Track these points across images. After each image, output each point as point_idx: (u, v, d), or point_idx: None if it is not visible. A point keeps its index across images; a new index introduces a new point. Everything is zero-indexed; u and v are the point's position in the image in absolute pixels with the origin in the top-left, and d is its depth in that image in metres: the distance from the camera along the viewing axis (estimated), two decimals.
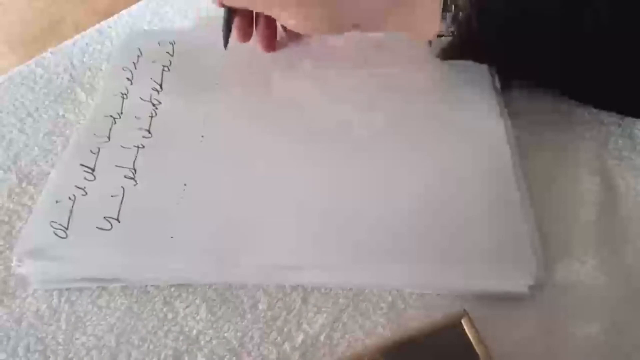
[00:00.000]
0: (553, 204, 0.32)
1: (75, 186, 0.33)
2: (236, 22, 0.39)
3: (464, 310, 0.26)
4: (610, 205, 0.32)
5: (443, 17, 0.33)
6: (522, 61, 0.34)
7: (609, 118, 0.36)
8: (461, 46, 0.34)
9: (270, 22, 0.40)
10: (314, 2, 0.34)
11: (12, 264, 0.30)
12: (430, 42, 0.36)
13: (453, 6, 0.32)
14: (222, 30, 0.39)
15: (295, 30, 0.37)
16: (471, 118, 0.36)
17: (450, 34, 0.33)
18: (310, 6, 0.35)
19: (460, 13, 0.32)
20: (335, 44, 0.42)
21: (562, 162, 0.34)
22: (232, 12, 0.39)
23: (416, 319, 0.28)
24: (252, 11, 0.40)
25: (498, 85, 0.38)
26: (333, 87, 0.39)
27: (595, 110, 0.37)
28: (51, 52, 0.44)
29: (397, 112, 0.37)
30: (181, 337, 0.29)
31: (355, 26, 0.36)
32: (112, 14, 0.48)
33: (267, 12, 0.37)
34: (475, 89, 0.37)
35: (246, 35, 0.40)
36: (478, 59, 0.36)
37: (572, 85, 0.35)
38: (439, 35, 0.34)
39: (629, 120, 0.36)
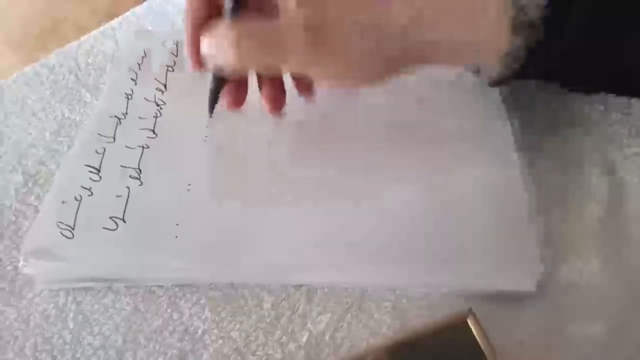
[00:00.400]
0: (559, 202, 0.32)
1: (81, 186, 0.33)
2: (227, 89, 0.33)
3: (470, 308, 0.26)
4: (616, 205, 0.32)
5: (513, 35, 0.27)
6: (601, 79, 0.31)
7: (616, 116, 0.36)
8: (528, 70, 0.29)
9: (276, 81, 0.34)
10: (344, 51, 0.28)
11: (19, 264, 0.30)
12: (478, 70, 0.32)
13: (523, 15, 0.26)
14: (208, 98, 0.33)
15: (337, 87, 0.32)
16: (476, 118, 0.36)
17: (520, 56, 0.28)
18: (341, 58, 0.28)
19: (532, 29, 0.26)
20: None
21: (568, 160, 0.34)
22: (222, 79, 0.32)
23: (421, 318, 0.29)
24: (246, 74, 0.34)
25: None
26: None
27: (602, 109, 0.37)
28: (56, 53, 0.44)
29: (402, 116, 0.37)
30: (186, 337, 0.29)
31: (405, 67, 0.29)
32: (113, 14, 0.48)
33: (299, 71, 0.30)
34: (479, 89, 0.37)
35: (239, 102, 0.34)
36: (541, 78, 0.33)
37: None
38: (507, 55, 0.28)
39: (636, 119, 0.36)
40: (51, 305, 0.30)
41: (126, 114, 0.38)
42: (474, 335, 0.25)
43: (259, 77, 0.35)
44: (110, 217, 0.32)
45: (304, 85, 0.34)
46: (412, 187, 0.32)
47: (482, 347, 0.25)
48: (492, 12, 0.27)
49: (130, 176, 0.34)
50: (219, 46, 0.28)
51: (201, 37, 0.29)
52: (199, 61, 0.31)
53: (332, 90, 0.36)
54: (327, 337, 0.28)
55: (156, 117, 0.38)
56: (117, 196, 0.33)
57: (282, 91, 0.35)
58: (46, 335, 0.29)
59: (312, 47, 0.27)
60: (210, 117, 0.33)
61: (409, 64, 0.29)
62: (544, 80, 0.35)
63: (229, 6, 0.28)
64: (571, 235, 0.31)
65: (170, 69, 0.41)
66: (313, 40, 0.27)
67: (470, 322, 0.26)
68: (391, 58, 0.28)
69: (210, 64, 0.30)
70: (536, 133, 0.35)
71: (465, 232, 0.30)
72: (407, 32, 0.27)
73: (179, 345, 0.29)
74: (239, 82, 0.33)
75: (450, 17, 0.28)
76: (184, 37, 0.31)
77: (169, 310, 0.30)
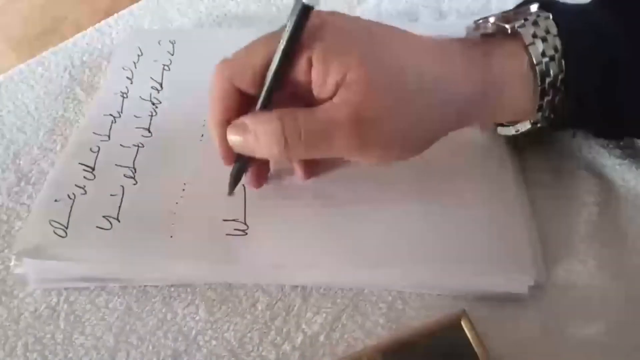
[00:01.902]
0: (553, 205, 0.32)
1: (75, 185, 0.33)
2: (252, 170, 0.32)
3: (463, 310, 0.26)
4: (610, 207, 0.32)
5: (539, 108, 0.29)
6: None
7: None
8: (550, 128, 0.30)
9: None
10: (390, 139, 0.27)
11: (11, 264, 0.30)
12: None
13: (551, 91, 0.28)
14: (230, 178, 0.31)
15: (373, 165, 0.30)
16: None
17: (546, 120, 0.29)
18: (386, 145, 0.28)
19: (559, 96, 0.28)
20: None
21: (562, 162, 0.34)
22: (246, 162, 0.31)
23: (416, 319, 0.28)
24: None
25: None
26: None
27: None
28: (51, 52, 0.44)
29: None
30: (180, 337, 0.29)
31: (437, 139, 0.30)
32: (113, 13, 0.48)
33: (346, 157, 0.29)
34: None
35: (261, 182, 0.33)
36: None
37: None
38: (534, 123, 0.30)
39: None
40: (43, 305, 0.30)
41: (121, 112, 0.38)
42: (467, 337, 0.25)
43: None
44: (104, 216, 0.31)
45: (307, 170, 0.33)
46: (407, 190, 0.32)
47: (475, 348, 0.25)
48: (522, 92, 0.29)
49: (124, 175, 0.34)
50: (259, 141, 0.27)
51: (234, 132, 0.28)
52: (231, 156, 0.30)
53: None
54: (322, 338, 0.28)
55: (152, 116, 0.38)
56: (111, 195, 0.32)
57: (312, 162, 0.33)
58: (37, 335, 0.29)
59: (362, 137, 0.26)
60: (230, 195, 0.32)
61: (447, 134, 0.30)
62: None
63: (264, 94, 0.27)
64: (567, 237, 0.31)
65: (166, 67, 0.41)
66: (364, 131, 0.26)
67: (463, 324, 0.26)
68: (438, 136, 0.29)
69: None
70: (530, 135, 0.35)
71: (460, 234, 0.30)
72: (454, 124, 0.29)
73: (172, 345, 0.28)
74: (262, 164, 0.32)
75: (493, 109, 0.30)
76: (211, 131, 0.30)
77: (163, 311, 0.30)
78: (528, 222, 0.30)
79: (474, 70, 0.28)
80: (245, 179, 0.32)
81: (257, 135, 0.27)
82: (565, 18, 0.28)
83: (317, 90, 0.27)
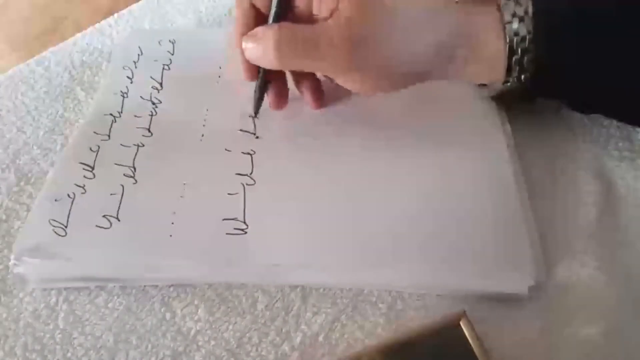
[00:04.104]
0: (553, 205, 0.32)
1: (75, 184, 0.33)
2: (273, 89, 0.36)
3: (463, 311, 0.26)
4: (610, 207, 0.32)
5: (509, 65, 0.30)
6: (595, 95, 0.32)
7: (609, 120, 0.36)
8: (528, 90, 0.31)
9: (317, 81, 0.37)
10: (374, 64, 0.30)
11: (10, 263, 0.30)
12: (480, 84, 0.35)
13: (519, 50, 0.29)
14: (254, 100, 0.35)
15: (357, 92, 0.33)
16: (470, 121, 0.36)
17: (517, 80, 0.31)
18: (370, 69, 0.30)
19: (527, 57, 0.29)
20: None
21: (562, 163, 0.34)
22: (268, 80, 0.35)
23: (415, 319, 0.28)
24: (284, 75, 0.36)
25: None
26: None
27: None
28: (51, 51, 0.44)
29: (399, 120, 0.37)
30: (179, 337, 0.28)
31: (417, 79, 0.32)
32: (113, 13, 0.48)
33: (330, 75, 0.32)
34: (473, 93, 0.37)
35: (283, 102, 0.36)
36: (546, 97, 0.34)
37: None
38: (505, 82, 0.31)
39: None
40: (42, 305, 0.30)
41: (121, 112, 0.38)
42: (467, 337, 0.25)
43: (299, 77, 0.37)
44: (104, 216, 0.31)
45: (316, 98, 0.37)
46: (407, 191, 0.32)
47: (474, 348, 0.25)
48: (493, 44, 0.30)
49: (124, 174, 0.34)
50: (262, 49, 0.31)
51: (245, 40, 0.32)
52: (251, 70, 0.34)
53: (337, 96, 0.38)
54: (321, 338, 0.28)
55: (152, 115, 0.38)
56: (111, 194, 0.32)
57: (321, 89, 0.37)
58: (37, 335, 0.29)
59: (346, 56, 0.29)
60: (256, 117, 0.36)
61: (432, 79, 0.32)
62: (546, 99, 0.35)
63: (273, 13, 0.31)
64: (567, 237, 0.31)
65: (166, 67, 0.41)
66: (347, 51, 0.29)
67: (463, 324, 0.26)
68: (418, 74, 0.32)
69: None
70: (529, 136, 0.35)
71: (460, 235, 0.30)
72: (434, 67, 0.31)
73: (171, 345, 0.28)
74: (281, 86, 0.36)
75: (468, 57, 0.31)
76: (237, 48, 0.33)
77: (162, 310, 0.30)
78: (528, 221, 0.30)
79: (462, 17, 0.30)
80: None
81: (260, 41, 0.31)
82: None
83: (316, 11, 0.30)
